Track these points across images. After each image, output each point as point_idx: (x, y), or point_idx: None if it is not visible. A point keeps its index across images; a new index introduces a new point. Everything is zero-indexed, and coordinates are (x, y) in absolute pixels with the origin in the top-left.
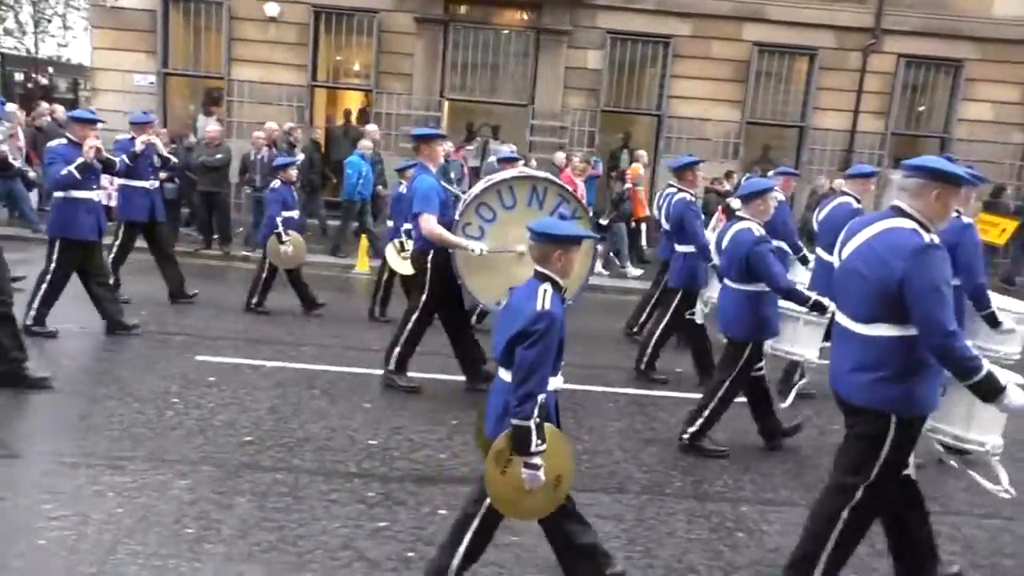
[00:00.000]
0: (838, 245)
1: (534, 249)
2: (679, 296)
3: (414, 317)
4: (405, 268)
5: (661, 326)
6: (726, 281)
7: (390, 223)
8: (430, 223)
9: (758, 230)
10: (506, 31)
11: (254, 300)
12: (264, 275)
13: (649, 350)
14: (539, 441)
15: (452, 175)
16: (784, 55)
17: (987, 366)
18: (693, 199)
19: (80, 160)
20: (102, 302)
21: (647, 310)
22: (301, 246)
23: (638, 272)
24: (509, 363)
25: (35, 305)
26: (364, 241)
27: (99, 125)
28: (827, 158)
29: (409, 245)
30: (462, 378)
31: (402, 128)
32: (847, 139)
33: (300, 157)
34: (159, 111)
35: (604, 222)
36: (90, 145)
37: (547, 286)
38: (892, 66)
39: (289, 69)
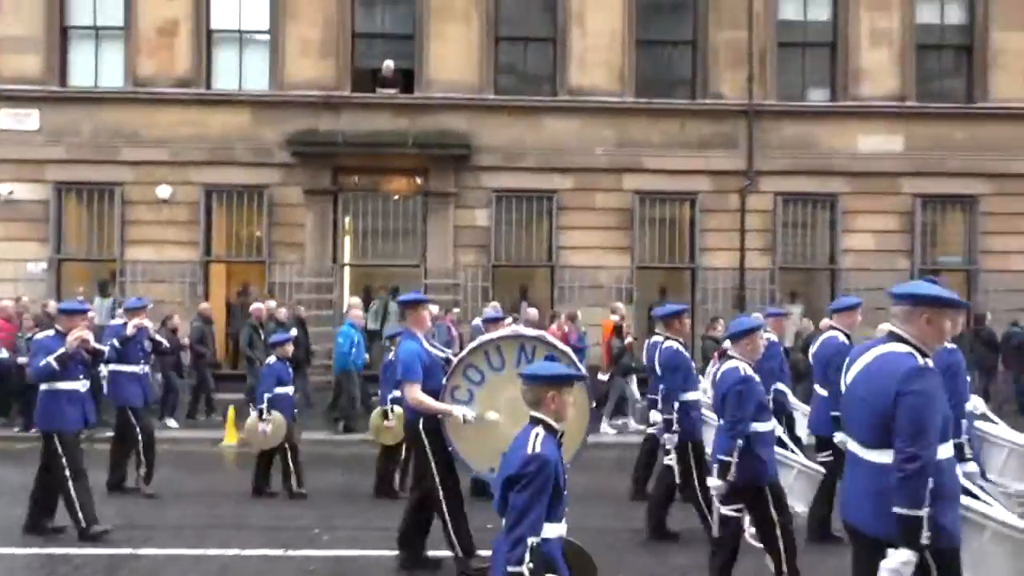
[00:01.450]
0: (843, 373)
1: (527, 393)
2: (691, 448)
3: (441, 495)
4: (387, 438)
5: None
6: (720, 421)
7: (380, 391)
8: (413, 391)
9: (745, 369)
10: (395, 196)
11: (292, 484)
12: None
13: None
14: None
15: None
16: (665, 201)
17: (925, 513)
18: (681, 347)
19: (60, 351)
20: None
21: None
22: (281, 427)
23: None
24: (503, 510)
25: (79, 512)
26: (231, 412)
27: (89, 315)
28: (720, 296)
29: (394, 413)
30: None
31: (295, 297)
32: (737, 277)
33: (293, 332)
34: (52, 296)
35: (604, 377)
36: (74, 336)
37: (539, 429)
38: (770, 204)
39: (182, 247)
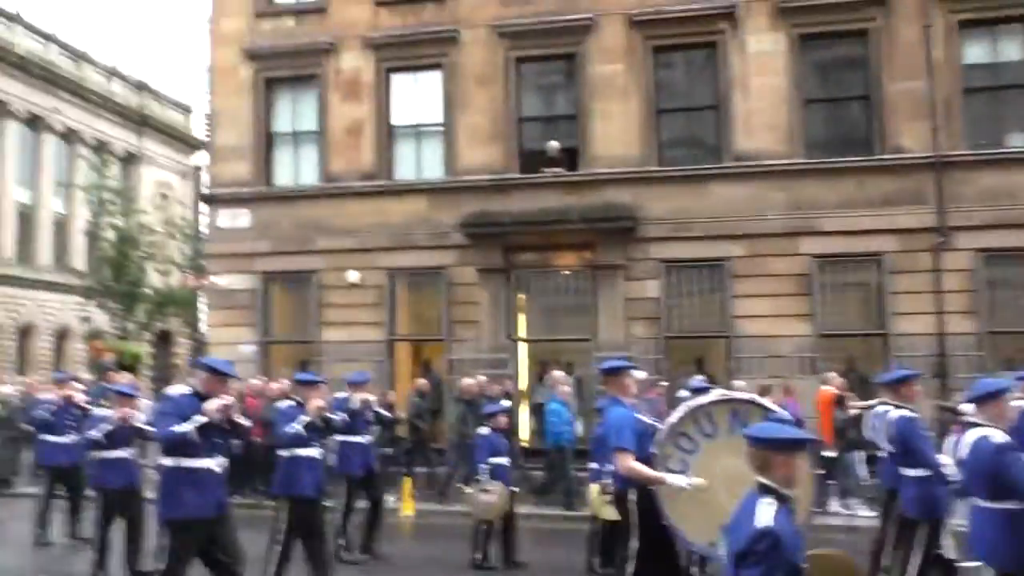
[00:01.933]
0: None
1: (754, 458)
2: (927, 529)
3: (631, 571)
4: (610, 513)
5: (916, 567)
6: (975, 500)
7: (593, 465)
8: (626, 459)
9: (1000, 436)
10: (565, 271)
11: (478, 555)
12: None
13: None
14: None
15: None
16: (847, 264)
17: None
18: (915, 415)
19: (305, 418)
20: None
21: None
22: (504, 496)
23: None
24: None
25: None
26: (407, 483)
27: (323, 387)
28: (918, 365)
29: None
30: None
31: (470, 371)
32: (935, 343)
33: (507, 404)
34: (261, 374)
35: (832, 455)
36: (316, 405)
37: (770, 499)
38: (970, 263)
39: (370, 327)
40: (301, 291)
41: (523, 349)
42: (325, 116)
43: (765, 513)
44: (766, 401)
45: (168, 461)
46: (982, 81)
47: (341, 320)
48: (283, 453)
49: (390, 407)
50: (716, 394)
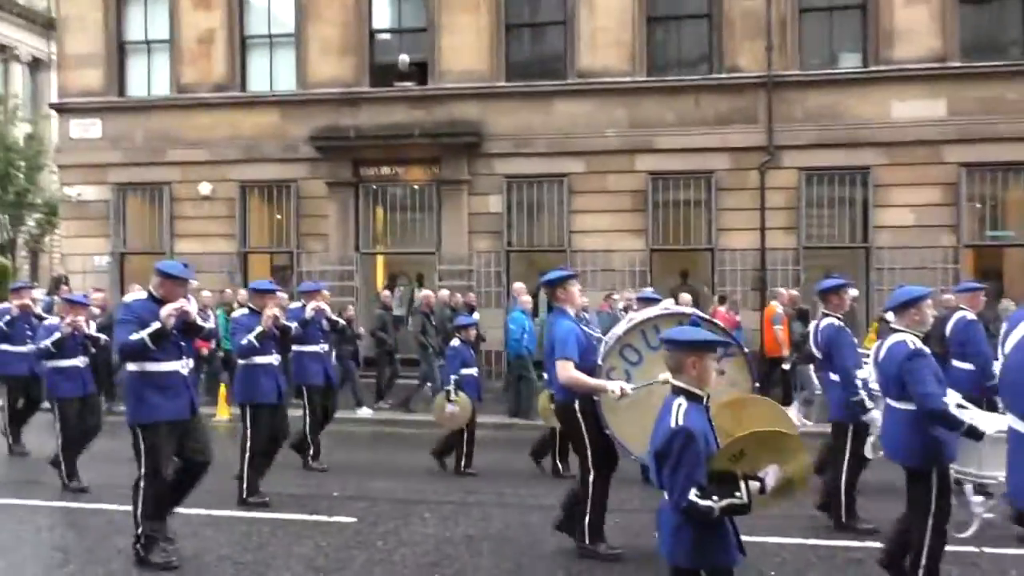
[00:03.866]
0: (1000, 344)
1: (669, 360)
2: (850, 431)
3: (591, 479)
4: (555, 421)
5: (844, 470)
6: (888, 401)
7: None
8: (567, 369)
9: (914, 342)
10: (412, 185)
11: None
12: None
13: (843, 499)
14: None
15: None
16: (679, 181)
17: None
18: (841, 323)
19: (259, 329)
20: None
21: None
22: (467, 408)
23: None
24: (662, 483)
25: (244, 477)
26: (223, 388)
27: (279, 294)
28: (741, 278)
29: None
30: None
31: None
32: (758, 257)
33: (477, 317)
34: (115, 289)
35: (787, 367)
36: (267, 315)
37: (681, 400)
38: (794, 180)
39: (223, 239)
40: (154, 203)
41: (377, 261)
42: (177, 25)
43: (677, 412)
44: (710, 317)
45: (132, 367)
46: (816, 2)
47: (194, 232)
48: (241, 362)
49: (349, 321)
50: (663, 307)
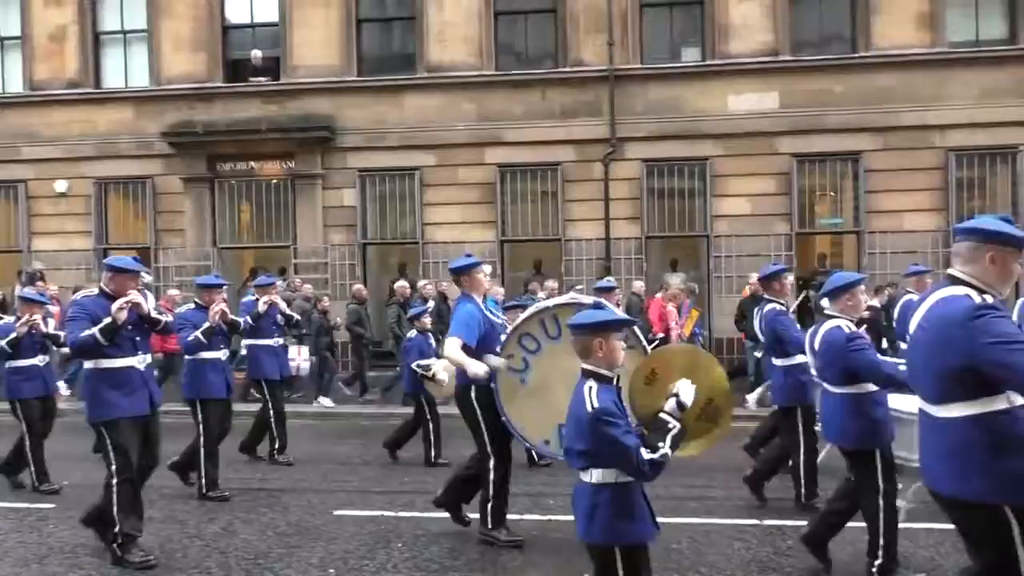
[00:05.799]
0: (895, 326)
1: (576, 345)
2: (800, 414)
3: (491, 464)
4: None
5: (802, 451)
6: (826, 386)
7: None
8: (451, 345)
9: (848, 327)
10: (268, 180)
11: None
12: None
13: (803, 479)
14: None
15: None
16: (527, 173)
17: None
18: (783, 307)
19: (206, 325)
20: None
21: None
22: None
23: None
24: (584, 466)
25: (202, 477)
26: None
27: (224, 288)
28: (587, 268)
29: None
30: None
31: (174, 279)
32: (603, 247)
33: (431, 306)
34: None
35: (759, 355)
36: (215, 310)
37: (591, 383)
38: (636, 171)
39: (80, 236)
40: (10, 201)
41: (239, 256)
42: (29, 22)
43: (589, 396)
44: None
45: (89, 364)
46: None
47: (52, 230)
48: (188, 358)
49: (324, 313)
50: (565, 297)
